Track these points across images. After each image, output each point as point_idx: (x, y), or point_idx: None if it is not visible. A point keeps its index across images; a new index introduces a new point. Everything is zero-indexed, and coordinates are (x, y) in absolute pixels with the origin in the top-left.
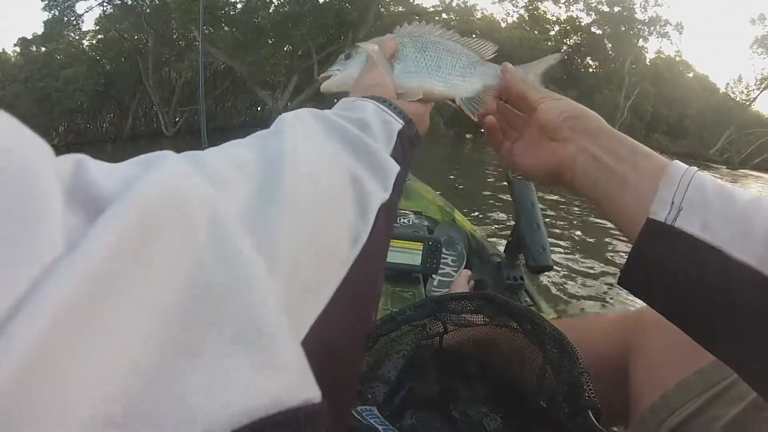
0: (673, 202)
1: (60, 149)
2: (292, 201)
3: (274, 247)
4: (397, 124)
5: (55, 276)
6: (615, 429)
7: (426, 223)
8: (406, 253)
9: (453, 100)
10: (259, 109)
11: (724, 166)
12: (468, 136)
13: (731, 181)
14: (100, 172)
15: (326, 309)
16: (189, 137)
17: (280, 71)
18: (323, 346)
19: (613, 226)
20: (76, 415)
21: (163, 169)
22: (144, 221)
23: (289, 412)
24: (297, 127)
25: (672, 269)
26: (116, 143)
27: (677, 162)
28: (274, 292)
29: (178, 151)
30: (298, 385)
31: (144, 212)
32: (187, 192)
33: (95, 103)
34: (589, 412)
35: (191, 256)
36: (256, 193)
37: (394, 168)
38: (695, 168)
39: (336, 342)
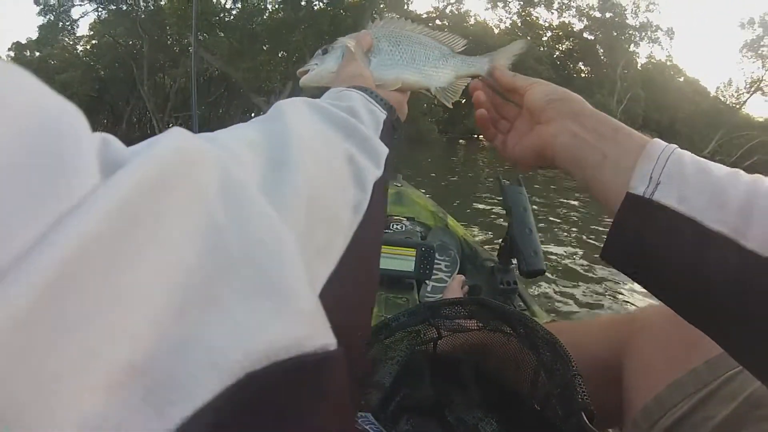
0: (651, 177)
1: None
2: (301, 167)
3: (288, 205)
4: (381, 113)
5: (80, 211)
6: (609, 431)
7: (419, 228)
8: (399, 260)
9: (428, 90)
10: (253, 115)
11: None
12: (461, 141)
13: None
14: (121, 145)
15: (336, 269)
16: None
17: (275, 77)
18: (336, 302)
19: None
20: (98, 357)
21: (176, 136)
22: (161, 173)
23: (308, 356)
24: (294, 111)
25: (651, 242)
26: None
27: (657, 140)
28: (292, 243)
29: None
30: (316, 331)
31: (161, 165)
32: (200, 152)
33: (90, 108)
34: (582, 414)
35: (208, 208)
36: (266, 163)
37: (384, 149)
38: (675, 145)
39: (347, 299)
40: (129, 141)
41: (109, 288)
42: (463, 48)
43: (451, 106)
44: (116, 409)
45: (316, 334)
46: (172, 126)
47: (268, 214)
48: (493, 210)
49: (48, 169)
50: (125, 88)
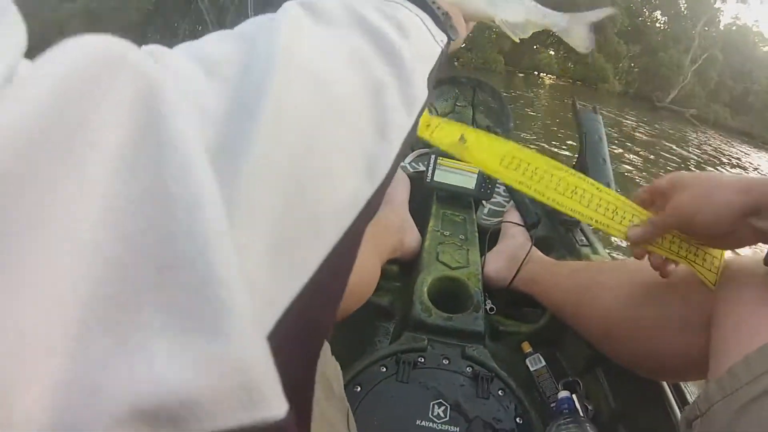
0: None
1: None
2: (281, 117)
3: (243, 193)
4: (437, 44)
5: None
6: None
7: None
8: (461, 175)
9: (492, 20)
10: None
11: None
12: (520, 75)
13: None
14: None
15: (299, 296)
16: None
17: None
18: (291, 343)
19: None
20: None
21: (97, 41)
22: (53, 109)
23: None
24: (303, 13)
25: None
26: None
27: None
28: (234, 257)
29: None
30: (260, 394)
31: (53, 99)
32: (120, 58)
33: (147, 21)
34: None
35: (124, 167)
36: (228, 106)
37: (423, 94)
38: None
39: (305, 337)
40: None
41: None
42: None
43: (518, 41)
44: None
45: (260, 399)
46: None
47: (202, 193)
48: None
49: None
50: (181, 2)
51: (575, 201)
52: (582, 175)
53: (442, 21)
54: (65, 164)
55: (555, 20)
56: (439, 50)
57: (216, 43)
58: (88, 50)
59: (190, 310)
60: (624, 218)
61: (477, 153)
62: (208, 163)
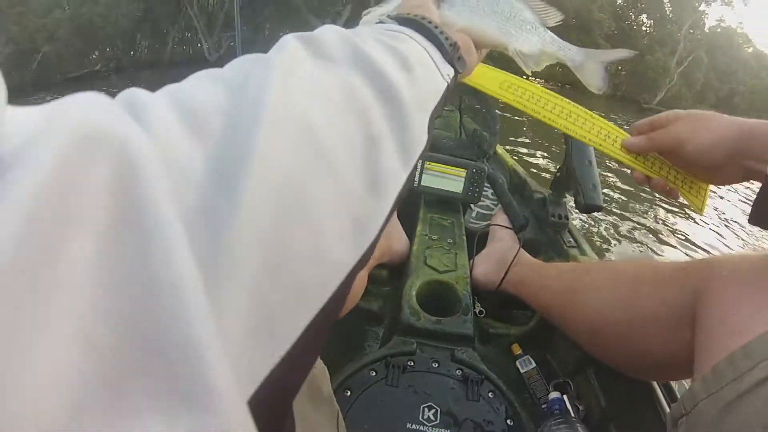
0: None
1: (103, 76)
2: (266, 180)
3: (227, 263)
4: (443, 82)
5: None
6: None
7: None
8: (448, 179)
9: (505, 49)
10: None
11: None
12: None
13: None
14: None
15: (279, 364)
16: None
17: (340, 0)
18: (274, 395)
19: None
20: None
21: (81, 121)
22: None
23: None
24: (301, 49)
25: None
26: (155, 68)
27: None
28: (216, 336)
29: None
30: None
31: (35, 190)
32: (102, 138)
33: (136, 28)
34: None
35: (104, 250)
36: (209, 174)
37: (422, 140)
38: None
39: (283, 400)
40: (173, 61)
41: None
42: (556, 24)
43: (529, 73)
44: None
45: None
46: (223, 45)
47: (184, 276)
48: (543, 144)
49: None
50: (171, 9)
51: (570, 122)
52: (577, 105)
53: (450, 53)
54: (48, 256)
55: (570, 54)
56: (445, 85)
57: (204, 88)
58: (67, 135)
59: (176, 390)
60: (616, 142)
61: (476, 78)
62: (189, 236)
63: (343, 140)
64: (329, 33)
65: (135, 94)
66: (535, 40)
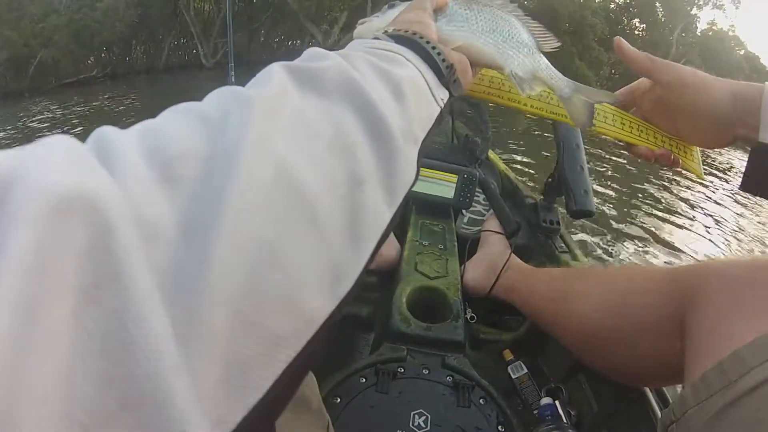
0: None
1: (99, 81)
2: (240, 232)
3: (199, 319)
4: (436, 107)
5: None
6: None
7: None
8: (438, 185)
9: (502, 70)
10: (297, 42)
11: None
12: None
13: None
14: None
15: (264, 396)
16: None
17: (338, 6)
18: None
19: (656, 184)
20: None
21: (54, 174)
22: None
23: None
24: (289, 80)
25: None
26: (151, 74)
27: None
28: (189, 390)
29: (213, 84)
30: None
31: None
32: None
33: (132, 34)
34: None
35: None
36: (184, 217)
37: (410, 177)
38: None
39: (264, 427)
40: (169, 67)
41: None
42: (552, 50)
43: (524, 95)
44: None
45: None
46: (219, 51)
47: (158, 334)
48: (535, 150)
49: None
50: (166, 15)
51: (554, 104)
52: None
53: (446, 76)
54: (30, 320)
55: (560, 85)
56: (438, 111)
57: (180, 128)
58: (42, 203)
59: None
60: (606, 117)
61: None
62: (161, 294)
63: (326, 183)
64: (319, 59)
65: (107, 137)
66: (529, 63)
